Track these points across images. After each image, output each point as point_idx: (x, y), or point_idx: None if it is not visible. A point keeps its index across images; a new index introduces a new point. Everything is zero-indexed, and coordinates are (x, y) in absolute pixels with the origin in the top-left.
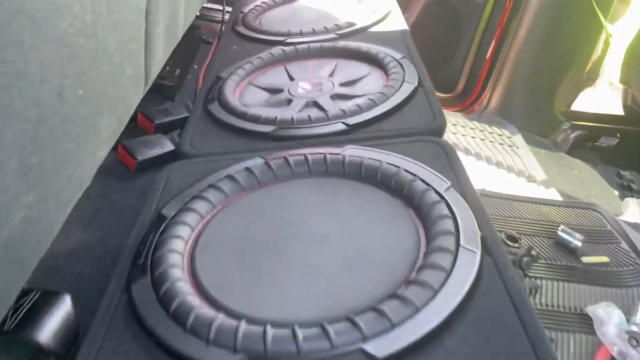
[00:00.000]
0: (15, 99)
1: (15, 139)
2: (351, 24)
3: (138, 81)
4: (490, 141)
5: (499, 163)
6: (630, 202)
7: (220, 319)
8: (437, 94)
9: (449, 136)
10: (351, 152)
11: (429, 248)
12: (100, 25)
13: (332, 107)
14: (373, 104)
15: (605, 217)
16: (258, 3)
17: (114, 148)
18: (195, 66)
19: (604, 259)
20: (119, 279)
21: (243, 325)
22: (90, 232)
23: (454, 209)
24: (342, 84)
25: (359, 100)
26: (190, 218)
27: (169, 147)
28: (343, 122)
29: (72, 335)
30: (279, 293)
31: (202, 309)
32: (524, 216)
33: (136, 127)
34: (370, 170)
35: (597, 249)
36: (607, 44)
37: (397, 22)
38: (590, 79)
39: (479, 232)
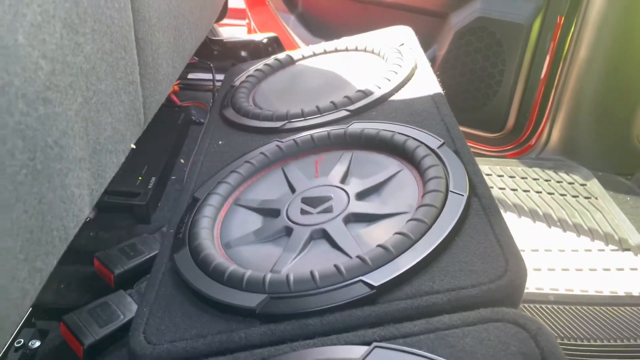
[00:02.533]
0: None
1: None
2: (366, 94)
3: None
4: (561, 194)
5: (577, 226)
6: None
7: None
8: (484, 134)
9: (506, 194)
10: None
11: None
12: None
13: (347, 244)
14: (407, 241)
15: None
16: (251, 72)
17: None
18: (182, 160)
19: None
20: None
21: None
22: None
23: None
24: (360, 195)
25: (383, 234)
26: None
27: (130, 313)
28: (364, 282)
29: None
30: None
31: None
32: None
33: (96, 276)
34: None
35: None
36: None
37: (427, 82)
38: None
39: None
